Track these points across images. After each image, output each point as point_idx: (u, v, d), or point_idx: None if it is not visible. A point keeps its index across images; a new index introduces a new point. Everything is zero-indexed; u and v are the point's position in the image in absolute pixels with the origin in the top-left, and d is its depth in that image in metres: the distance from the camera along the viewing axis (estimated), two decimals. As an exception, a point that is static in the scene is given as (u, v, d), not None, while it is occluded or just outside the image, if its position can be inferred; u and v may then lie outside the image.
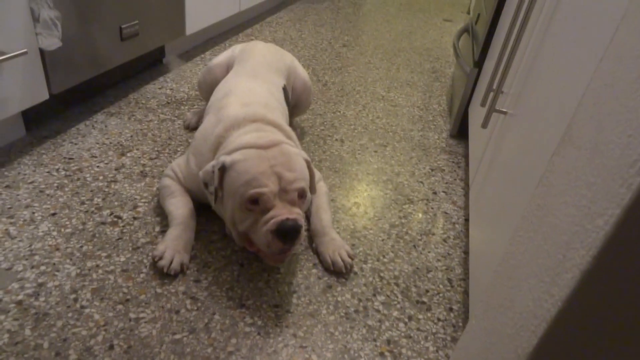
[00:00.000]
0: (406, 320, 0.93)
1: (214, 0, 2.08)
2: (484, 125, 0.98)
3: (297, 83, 1.45)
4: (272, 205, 0.88)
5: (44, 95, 1.23)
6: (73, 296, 0.87)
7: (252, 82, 1.21)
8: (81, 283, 0.90)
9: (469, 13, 2.80)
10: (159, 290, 0.91)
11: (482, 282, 0.78)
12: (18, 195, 1.11)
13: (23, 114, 1.33)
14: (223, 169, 0.92)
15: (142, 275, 0.94)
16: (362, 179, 1.37)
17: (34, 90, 1.19)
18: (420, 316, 0.94)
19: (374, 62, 2.35)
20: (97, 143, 1.35)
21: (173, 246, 0.95)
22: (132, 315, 0.85)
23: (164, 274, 0.94)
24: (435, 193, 1.35)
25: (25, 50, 1.09)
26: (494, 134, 1.06)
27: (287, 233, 0.86)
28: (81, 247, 0.98)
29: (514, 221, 0.70)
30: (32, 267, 0.92)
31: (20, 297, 0.86)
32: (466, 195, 1.36)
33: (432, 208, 1.28)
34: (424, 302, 0.97)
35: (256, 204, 0.88)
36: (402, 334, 0.89)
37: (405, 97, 1.97)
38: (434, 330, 0.91)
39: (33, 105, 1.21)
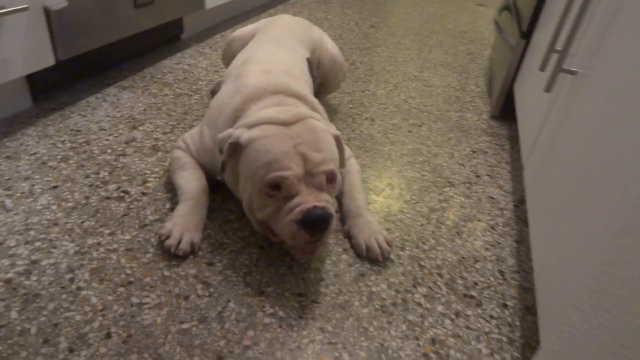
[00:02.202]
0: (453, 316, 0.79)
1: (236, -25, 1.96)
2: (548, 89, 0.83)
3: (325, 58, 1.32)
4: (297, 191, 0.75)
5: (49, 60, 1.12)
6: (69, 276, 0.76)
7: (273, 48, 1.09)
8: (79, 262, 0.79)
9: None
10: (166, 273, 0.79)
11: (555, 277, 0.63)
12: (18, 166, 1.00)
13: (30, 84, 1.23)
14: (236, 145, 0.80)
15: (148, 256, 0.82)
16: (396, 160, 1.23)
17: (38, 54, 1.09)
18: (469, 312, 0.80)
19: (404, 43, 2.19)
20: (108, 116, 1.24)
21: (182, 223, 0.83)
22: (134, 300, 0.73)
23: (172, 255, 0.82)
24: (478, 176, 1.20)
25: (26, 5, 0.98)
26: (556, 103, 0.91)
27: (314, 223, 0.72)
28: (82, 222, 0.88)
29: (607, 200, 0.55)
30: (26, 243, 0.81)
31: (9, 275, 0.75)
32: (514, 179, 1.21)
33: (475, 192, 1.13)
34: (472, 296, 0.83)
35: (278, 189, 0.75)
36: (449, 333, 0.75)
37: (439, 77, 1.82)
38: (486, 330, 0.77)
39: (37, 70, 1.11)
